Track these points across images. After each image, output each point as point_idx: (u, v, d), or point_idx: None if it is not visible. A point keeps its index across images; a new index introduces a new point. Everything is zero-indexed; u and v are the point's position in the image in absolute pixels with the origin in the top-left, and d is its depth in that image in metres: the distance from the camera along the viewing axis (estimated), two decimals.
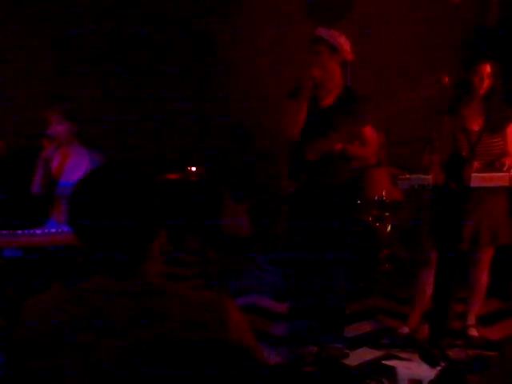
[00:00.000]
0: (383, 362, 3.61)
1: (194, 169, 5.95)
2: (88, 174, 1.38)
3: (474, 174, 3.54)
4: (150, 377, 1.16)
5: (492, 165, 3.76)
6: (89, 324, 1.25)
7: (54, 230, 3.68)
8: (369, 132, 3.82)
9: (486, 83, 3.74)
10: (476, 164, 3.68)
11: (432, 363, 3.38)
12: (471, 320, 4.09)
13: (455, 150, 3.81)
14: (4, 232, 3.59)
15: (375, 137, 5.43)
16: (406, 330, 4.07)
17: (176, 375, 1.09)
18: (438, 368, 3.30)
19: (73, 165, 3.90)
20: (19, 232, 3.59)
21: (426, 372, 3.28)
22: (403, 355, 3.75)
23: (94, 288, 1.32)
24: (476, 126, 3.84)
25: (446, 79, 3.63)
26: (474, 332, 4.04)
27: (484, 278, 4.02)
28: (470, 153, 3.77)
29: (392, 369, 3.37)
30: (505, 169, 3.67)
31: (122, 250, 1.32)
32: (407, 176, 3.81)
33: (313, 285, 3.84)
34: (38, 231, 3.65)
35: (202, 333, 1.22)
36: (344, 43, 3.68)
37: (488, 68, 3.73)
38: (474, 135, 3.81)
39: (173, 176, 5.73)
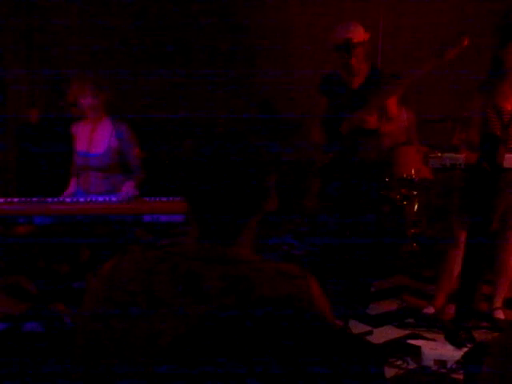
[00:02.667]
0: (408, 341, 3.59)
1: None
2: (201, 140, 1.40)
3: (507, 155, 3.49)
4: (235, 344, 1.15)
5: None
6: (182, 287, 1.26)
7: (82, 200, 3.71)
8: (393, 107, 3.94)
9: None
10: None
11: (457, 344, 3.37)
12: (498, 302, 4.05)
13: (487, 129, 3.75)
14: (34, 199, 3.63)
15: (404, 114, 5.43)
16: (431, 310, 4.05)
17: (261, 344, 1.09)
18: (464, 349, 3.29)
19: (100, 137, 3.90)
20: (49, 200, 3.63)
21: (451, 352, 3.27)
22: (428, 335, 3.73)
23: (189, 253, 1.32)
24: (509, 105, 3.76)
25: (466, 41, 3.60)
26: (500, 314, 4.00)
27: None
28: (501, 132, 3.70)
29: (417, 348, 3.37)
30: None
31: (225, 218, 1.35)
32: (439, 155, 3.76)
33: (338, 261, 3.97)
34: (68, 199, 3.68)
35: (289, 303, 1.22)
36: (365, 33, 3.83)
37: None
38: (507, 114, 3.74)
39: None
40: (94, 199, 3.72)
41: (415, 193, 5.15)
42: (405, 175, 5.12)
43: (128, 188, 3.78)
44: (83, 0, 6.29)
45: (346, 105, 3.88)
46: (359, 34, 3.80)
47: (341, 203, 3.94)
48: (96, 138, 3.90)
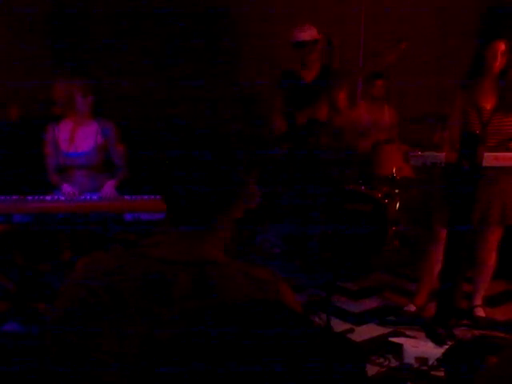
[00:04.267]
0: (389, 338, 3.61)
1: None
2: (178, 139, 1.34)
3: (486, 153, 3.52)
4: (201, 347, 1.14)
5: (504, 144, 3.73)
6: (147, 290, 1.23)
7: (62, 198, 3.69)
8: (341, 100, 4.52)
9: (500, 61, 3.68)
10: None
11: (438, 342, 3.40)
12: (478, 300, 4.08)
13: (466, 128, 3.78)
14: (14, 197, 3.59)
15: (386, 112, 5.47)
16: (412, 307, 4.07)
17: (228, 346, 1.07)
18: (445, 346, 3.31)
19: (83, 136, 3.89)
20: (29, 198, 3.60)
21: (432, 350, 3.30)
22: (409, 333, 3.75)
23: (157, 253, 1.29)
24: (489, 104, 3.79)
25: (404, 45, 3.86)
26: (480, 312, 4.04)
27: (492, 259, 4.00)
28: (481, 131, 3.73)
29: (398, 346, 3.38)
30: None
31: (195, 216, 1.31)
32: (420, 153, 3.78)
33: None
34: (48, 198, 3.65)
35: (255, 307, 1.20)
36: (318, 34, 4.41)
37: (502, 46, 3.68)
38: (487, 113, 3.77)
39: None
40: (74, 198, 3.70)
41: (397, 191, 5.17)
42: (386, 173, 5.14)
43: (108, 188, 3.79)
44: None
45: (300, 98, 4.44)
46: (312, 35, 4.43)
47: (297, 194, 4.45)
48: (81, 136, 3.89)
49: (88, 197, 3.74)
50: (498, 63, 3.69)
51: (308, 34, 4.42)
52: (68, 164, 3.88)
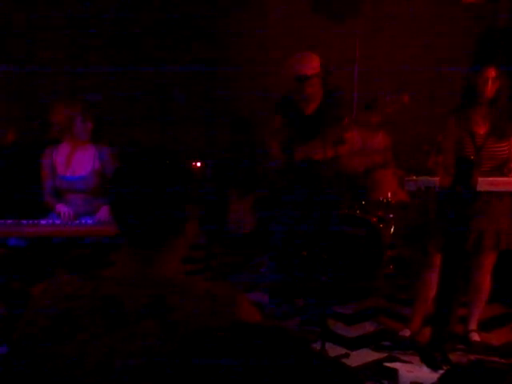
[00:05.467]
0: (385, 364, 3.60)
1: (198, 164, 5.94)
2: (127, 160, 1.40)
3: (481, 178, 3.54)
4: (159, 366, 1.15)
5: (498, 169, 3.75)
6: (102, 311, 1.25)
7: (58, 222, 3.69)
8: (350, 137, 4.12)
9: (491, 87, 3.70)
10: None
11: (434, 367, 3.38)
12: (473, 325, 4.08)
13: (460, 153, 3.80)
14: (9, 221, 3.59)
15: (381, 138, 5.51)
16: (407, 332, 4.06)
17: (185, 365, 1.07)
18: (440, 372, 3.29)
19: (80, 160, 3.92)
20: (24, 222, 3.60)
21: (427, 375, 3.28)
22: (404, 358, 3.74)
23: (109, 275, 1.32)
24: (482, 129, 3.82)
25: (406, 98, 3.73)
26: (475, 337, 4.03)
27: (487, 283, 4.00)
28: (475, 156, 3.75)
29: (393, 371, 3.36)
30: None
31: (145, 238, 1.35)
32: (414, 178, 3.81)
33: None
34: (43, 221, 3.65)
35: (213, 323, 1.21)
36: (319, 64, 3.98)
37: (493, 72, 3.70)
38: (480, 138, 3.79)
39: None
40: (69, 221, 3.70)
41: (391, 215, 5.19)
42: (381, 198, 5.16)
43: (103, 212, 3.79)
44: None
45: (298, 131, 4.07)
46: (313, 66, 3.96)
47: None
48: (78, 160, 3.91)
49: (83, 221, 3.74)
50: (489, 89, 3.71)
51: (310, 66, 3.94)
52: (64, 187, 3.90)
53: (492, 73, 3.70)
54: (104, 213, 3.80)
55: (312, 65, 3.96)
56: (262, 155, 4.33)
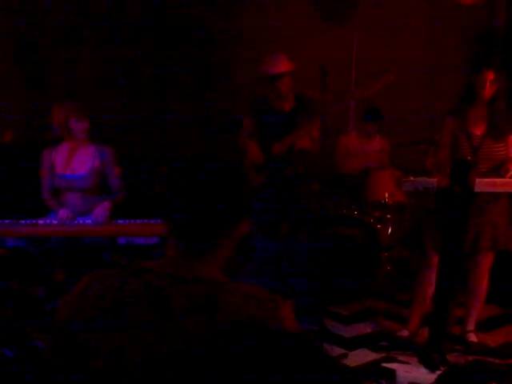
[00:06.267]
0: (382, 364, 3.60)
1: None
2: (181, 164, 1.44)
3: (478, 179, 3.55)
4: (201, 364, 1.15)
5: (495, 170, 3.76)
6: (150, 305, 1.27)
7: (55, 222, 3.68)
8: (316, 130, 4.22)
9: (488, 89, 3.72)
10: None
11: (431, 367, 3.39)
12: (470, 325, 4.08)
13: (457, 154, 3.81)
14: (7, 221, 3.59)
15: (377, 139, 5.52)
16: (405, 332, 4.06)
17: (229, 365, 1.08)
18: (438, 372, 3.31)
19: (80, 159, 3.91)
20: (22, 222, 3.60)
21: (425, 375, 3.29)
22: (402, 358, 3.74)
23: (159, 270, 1.34)
24: (479, 130, 3.83)
25: (392, 76, 3.86)
26: (473, 338, 4.03)
27: (484, 284, 4.01)
28: (472, 157, 3.76)
29: (391, 371, 3.37)
30: (509, 174, 3.67)
31: (197, 237, 1.38)
32: (412, 178, 3.81)
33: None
34: (41, 221, 3.65)
35: (255, 325, 1.22)
36: (289, 63, 4.20)
37: (490, 75, 3.71)
38: (477, 139, 3.80)
39: None
40: (67, 222, 3.70)
41: (389, 216, 5.20)
42: (379, 199, 5.17)
43: (100, 209, 3.78)
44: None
45: (275, 127, 4.22)
46: (284, 66, 4.18)
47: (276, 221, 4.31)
48: (78, 160, 3.91)
49: (81, 221, 3.74)
50: (487, 91, 3.73)
51: (281, 64, 4.17)
52: (63, 186, 3.89)
53: (490, 75, 3.71)
54: (101, 209, 3.78)
55: (282, 64, 4.19)
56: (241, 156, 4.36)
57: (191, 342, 1.20)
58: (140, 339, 1.24)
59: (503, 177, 3.69)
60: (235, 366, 0.95)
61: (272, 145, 4.20)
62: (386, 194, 5.14)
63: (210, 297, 1.28)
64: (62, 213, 3.78)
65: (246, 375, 0.92)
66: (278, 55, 4.23)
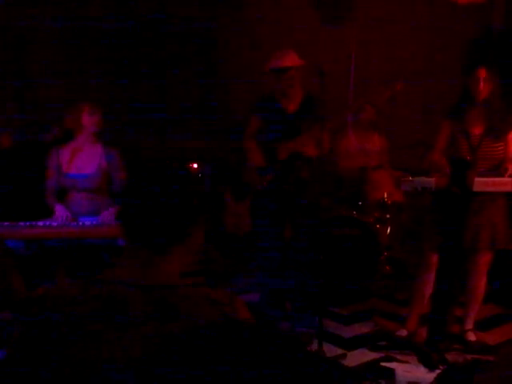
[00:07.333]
0: (381, 363, 3.61)
1: (195, 166, 5.95)
2: (137, 169, 1.46)
3: (476, 179, 3.56)
4: (161, 371, 1.16)
5: (494, 169, 3.77)
6: (106, 315, 1.26)
7: (55, 224, 3.68)
8: (327, 140, 4.09)
9: (482, 88, 3.72)
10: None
11: (430, 366, 3.40)
12: (469, 324, 4.09)
13: (456, 154, 3.82)
14: (6, 223, 3.59)
15: (376, 139, 5.53)
16: (404, 332, 4.07)
17: (187, 371, 1.09)
18: (437, 371, 3.31)
19: (86, 158, 3.92)
20: (21, 224, 3.60)
21: (424, 375, 3.30)
22: (401, 358, 3.76)
23: (112, 279, 1.33)
24: (477, 130, 3.83)
25: (399, 86, 3.79)
26: (471, 336, 4.04)
27: (482, 283, 4.02)
28: (470, 156, 3.77)
29: (390, 371, 3.38)
30: (508, 174, 3.68)
31: (151, 242, 1.38)
32: (410, 178, 3.82)
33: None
34: (40, 223, 3.65)
35: (213, 329, 1.23)
36: (298, 60, 4.12)
37: (483, 73, 3.71)
38: (475, 139, 3.81)
39: None
40: (66, 223, 3.70)
41: (388, 216, 5.21)
42: (378, 198, 5.18)
43: (107, 215, 3.78)
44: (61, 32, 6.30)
45: (281, 129, 4.13)
46: (291, 60, 4.09)
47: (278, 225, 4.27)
48: (84, 158, 3.91)
49: (80, 222, 3.74)
50: (481, 89, 3.73)
51: (288, 59, 4.08)
52: (68, 185, 3.89)
53: (483, 73, 3.71)
54: (108, 216, 3.79)
55: (290, 58, 4.10)
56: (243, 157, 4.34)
57: (150, 350, 1.20)
58: (97, 351, 1.23)
59: (502, 176, 3.70)
60: (195, 369, 0.95)
61: (276, 147, 4.13)
62: (385, 194, 5.15)
63: (167, 303, 1.28)
64: (59, 210, 3.78)
65: (207, 376, 0.93)
66: (286, 50, 4.16)
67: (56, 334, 1.26)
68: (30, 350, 1.27)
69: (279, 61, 4.08)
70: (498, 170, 3.75)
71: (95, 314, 1.27)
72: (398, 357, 3.78)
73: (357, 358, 3.81)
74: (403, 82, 3.93)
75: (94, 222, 3.72)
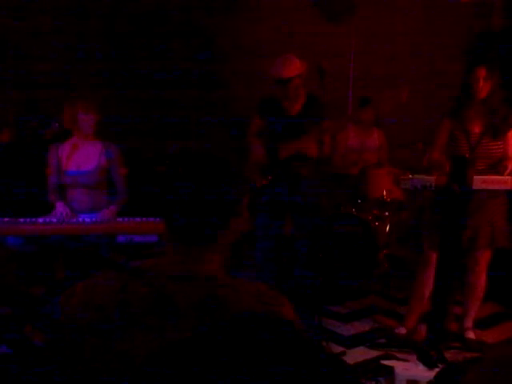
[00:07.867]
0: (381, 361, 3.61)
1: None
2: (178, 162, 1.45)
3: (476, 177, 3.55)
4: (209, 362, 1.16)
5: (493, 168, 3.77)
6: (153, 307, 1.27)
7: (55, 220, 3.68)
8: (328, 143, 4.20)
9: (482, 86, 3.72)
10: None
11: (429, 364, 3.40)
12: (468, 323, 4.10)
13: (455, 152, 3.82)
14: (6, 219, 3.58)
15: (375, 136, 5.53)
16: (403, 330, 4.08)
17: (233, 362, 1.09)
18: (436, 369, 3.31)
19: (86, 155, 3.91)
20: (21, 220, 3.59)
21: (423, 373, 3.29)
22: (400, 356, 3.76)
23: (159, 270, 1.34)
24: (477, 128, 3.83)
25: (404, 95, 3.79)
26: (471, 335, 4.05)
27: (482, 281, 4.02)
28: (469, 155, 3.77)
29: (390, 369, 3.38)
30: (507, 172, 3.68)
31: (195, 234, 1.38)
32: (410, 176, 3.82)
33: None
34: (40, 220, 3.65)
35: (265, 322, 1.23)
36: (300, 65, 4.11)
37: (483, 71, 3.71)
38: (475, 137, 3.81)
39: None
40: (66, 219, 3.70)
41: (387, 214, 5.20)
42: (377, 196, 5.17)
43: (108, 213, 3.78)
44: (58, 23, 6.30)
45: (283, 130, 4.15)
46: (294, 69, 4.09)
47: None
48: (84, 155, 3.91)
49: (80, 219, 3.73)
50: (480, 88, 3.73)
51: (291, 68, 4.07)
52: (68, 182, 3.89)
53: (482, 72, 3.71)
54: (109, 213, 3.79)
55: (293, 67, 4.09)
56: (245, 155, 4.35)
57: (194, 341, 1.20)
58: (143, 341, 1.24)
59: (501, 174, 3.70)
60: (237, 361, 0.95)
61: (278, 147, 4.16)
62: (385, 192, 5.14)
63: (214, 295, 1.29)
64: (60, 207, 3.78)
65: (248, 370, 0.93)
66: (289, 57, 4.14)
67: (104, 322, 1.27)
68: (74, 339, 1.27)
69: (283, 70, 4.07)
70: (497, 168, 3.75)
71: (144, 305, 1.28)
72: (398, 355, 3.78)
73: (356, 355, 3.82)
74: (408, 89, 3.92)
75: (94, 219, 3.72)
